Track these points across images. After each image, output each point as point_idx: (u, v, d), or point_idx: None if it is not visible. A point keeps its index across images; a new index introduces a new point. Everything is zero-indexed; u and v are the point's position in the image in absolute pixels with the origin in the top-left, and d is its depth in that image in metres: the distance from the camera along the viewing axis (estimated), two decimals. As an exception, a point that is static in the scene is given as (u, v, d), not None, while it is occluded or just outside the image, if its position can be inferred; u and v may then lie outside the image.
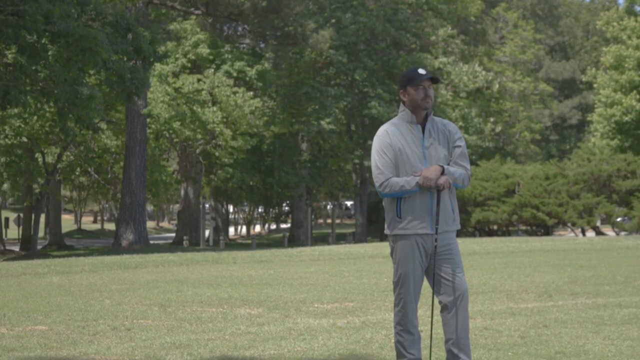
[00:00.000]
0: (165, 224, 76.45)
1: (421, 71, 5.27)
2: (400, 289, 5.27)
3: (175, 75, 35.66)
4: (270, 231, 60.58)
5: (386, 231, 5.35)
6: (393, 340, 5.48)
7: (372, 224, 43.15)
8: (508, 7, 60.07)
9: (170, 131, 33.23)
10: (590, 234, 38.31)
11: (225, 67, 36.36)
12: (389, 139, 5.28)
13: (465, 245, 22.45)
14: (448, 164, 5.31)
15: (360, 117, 39.97)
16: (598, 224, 38.78)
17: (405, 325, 5.23)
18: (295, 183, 40.08)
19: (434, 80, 5.28)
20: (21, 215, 39.49)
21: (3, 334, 7.56)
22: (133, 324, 8.08)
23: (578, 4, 72.76)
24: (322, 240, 43.81)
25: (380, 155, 5.28)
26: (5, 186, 36.22)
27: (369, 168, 37.91)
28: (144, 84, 22.72)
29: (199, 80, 34.88)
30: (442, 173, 5.19)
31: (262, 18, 32.40)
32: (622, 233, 36.52)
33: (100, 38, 19.68)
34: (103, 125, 29.66)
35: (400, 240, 5.27)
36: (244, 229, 58.14)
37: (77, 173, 35.00)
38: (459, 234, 5.17)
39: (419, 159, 5.24)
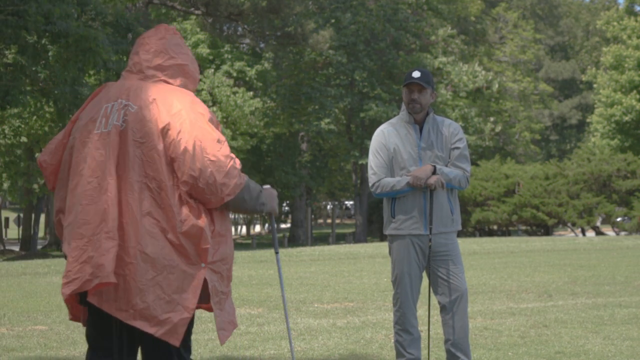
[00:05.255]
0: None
1: (414, 74, 5.19)
2: (397, 289, 5.27)
3: (175, 75, 35.60)
4: (270, 231, 60.47)
5: (384, 231, 5.36)
6: (393, 340, 5.48)
7: (372, 224, 43.09)
8: (508, 7, 59.97)
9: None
10: (590, 234, 38.28)
11: (225, 67, 36.33)
12: (384, 139, 5.26)
13: (465, 245, 22.43)
14: (446, 165, 5.27)
15: (359, 118, 39.94)
16: (598, 224, 38.73)
17: (403, 325, 5.23)
18: (295, 183, 40.04)
19: (422, 85, 5.15)
20: (21, 215, 39.47)
21: (3, 334, 7.56)
22: (133, 324, 8.06)
23: (578, 4, 72.68)
24: (322, 240, 43.77)
25: (374, 156, 5.26)
26: (6, 186, 36.21)
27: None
28: (144, 84, 22.67)
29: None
30: (435, 172, 5.15)
31: (262, 18, 32.36)
32: (622, 233, 36.49)
33: (100, 38, 19.68)
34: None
35: (395, 240, 5.27)
36: (244, 228, 58.10)
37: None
38: (459, 234, 5.10)
39: (413, 160, 5.21)
